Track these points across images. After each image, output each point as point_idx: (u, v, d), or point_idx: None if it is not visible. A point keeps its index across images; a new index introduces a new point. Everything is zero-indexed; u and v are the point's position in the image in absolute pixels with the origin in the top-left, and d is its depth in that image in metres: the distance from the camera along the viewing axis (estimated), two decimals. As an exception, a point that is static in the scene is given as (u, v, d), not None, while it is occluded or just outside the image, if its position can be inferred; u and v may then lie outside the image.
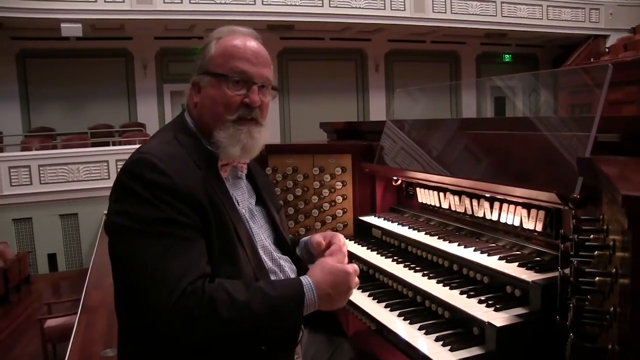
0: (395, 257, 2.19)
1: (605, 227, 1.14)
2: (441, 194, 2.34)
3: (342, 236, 1.70)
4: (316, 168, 2.71)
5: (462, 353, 1.50)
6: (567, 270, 1.24)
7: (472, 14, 13.07)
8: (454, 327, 1.65)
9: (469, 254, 1.89)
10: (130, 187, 1.36)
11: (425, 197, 2.46)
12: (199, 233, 1.38)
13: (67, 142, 11.03)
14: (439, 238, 2.12)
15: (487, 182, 1.93)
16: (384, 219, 2.55)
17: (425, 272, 1.96)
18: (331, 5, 11.80)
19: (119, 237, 1.39)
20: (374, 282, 2.13)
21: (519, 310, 1.56)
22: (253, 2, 11.23)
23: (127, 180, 1.38)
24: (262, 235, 1.60)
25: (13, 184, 10.01)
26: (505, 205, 1.96)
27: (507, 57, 15.32)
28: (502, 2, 13.35)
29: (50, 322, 5.97)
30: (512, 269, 1.69)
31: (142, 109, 12.35)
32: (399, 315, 1.80)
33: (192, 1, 10.87)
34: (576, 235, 1.21)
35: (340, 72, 13.78)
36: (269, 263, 1.57)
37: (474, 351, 1.50)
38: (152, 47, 12.29)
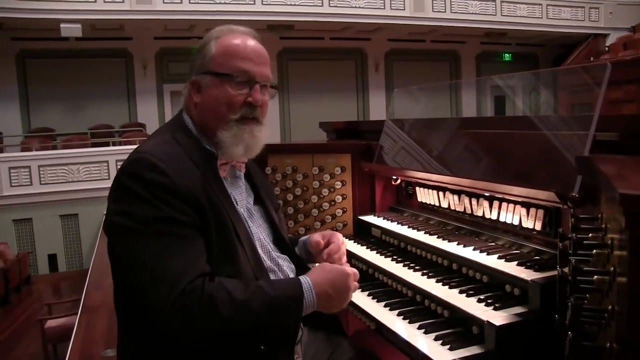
0: (394, 257, 2.19)
1: (603, 225, 1.14)
2: (440, 193, 2.34)
3: (341, 235, 1.70)
4: (316, 168, 2.71)
5: (462, 352, 1.50)
6: (565, 269, 1.24)
7: (472, 13, 13.08)
8: (454, 326, 1.65)
9: (468, 253, 1.89)
10: (129, 187, 1.36)
11: (425, 196, 2.46)
12: (198, 232, 1.39)
13: (67, 143, 11.04)
14: (438, 237, 2.12)
15: (486, 181, 1.93)
16: (383, 219, 2.56)
17: (424, 271, 1.96)
18: (331, 4, 11.81)
19: (118, 237, 1.39)
20: (374, 281, 2.13)
21: (518, 309, 1.56)
22: (253, 2, 11.24)
23: (126, 180, 1.38)
24: (260, 235, 1.61)
25: (13, 184, 10.03)
26: (504, 204, 1.96)
27: (507, 56, 15.32)
28: (501, 1, 13.35)
29: (51, 323, 5.98)
30: (511, 268, 1.69)
31: (142, 109, 12.36)
32: (398, 315, 1.80)
33: (191, 1, 10.88)
34: (575, 234, 1.21)
35: (340, 72, 13.78)
36: (267, 262, 1.57)
37: (473, 350, 1.50)
38: (152, 47, 12.30)
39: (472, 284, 1.78)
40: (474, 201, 2.13)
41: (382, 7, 12.24)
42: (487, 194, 2.03)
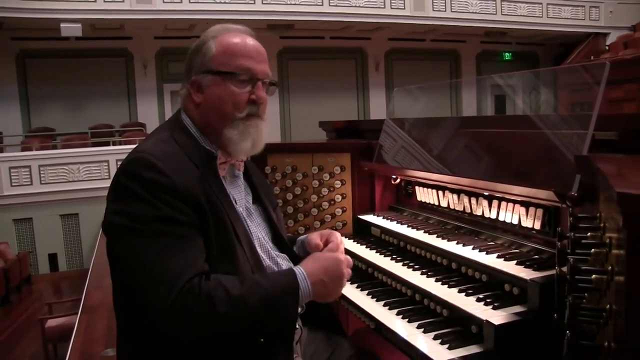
0: (394, 256, 2.19)
1: (602, 224, 1.14)
2: (440, 192, 2.34)
3: (339, 234, 1.70)
4: (315, 167, 2.71)
5: (461, 351, 1.50)
6: (564, 268, 1.24)
7: (472, 13, 13.07)
8: (453, 326, 1.65)
9: (467, 252, 1.89)
10: (128, 187, 1.36)
11: (424, 195, 2.47)
12: (197, 231, 1.39)
13: (68, 142, 11.04)
14: (437, 236, 2.12)
15: (485, 180, 1.93)
16: (383, 218, 2.56)
17: (424, 270, 1.96)
18: (331, 4, 11.80)
19: (117, 237, 1.39)
20: (373, 280, 2.14)
21: (517, 309, 1.56)
22: (253, 2, 11.23)
23: (124, 180, 1.38)
24: (259, 234, 1.61)
25: (13, 184, 10.03)
26: (503, 204, 1.96)
27: (507, 56, 15.32)
28: (502, 1, 13.35)
29: (51, 322, 5.98)
30: (511, 267, 1.69)
31: (143, 109, 12.36)
32: (397, 314, 1.80)
33: (191, 1, 10.88)
34: (573, 233, 1.21)
35: (341, 71, 13.78)
36: (267, 261, 1.57)
37: (472, 349, 1.51)
38: (152, 47, 12.30)
39: (471, 283, 1.78)
40: (473, 200, 2.13)
41: (382, 6, 12.23)
42: (486, 193, 2.03)
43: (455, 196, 2.24)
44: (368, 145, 2.72)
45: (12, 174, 10.01)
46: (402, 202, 2.71)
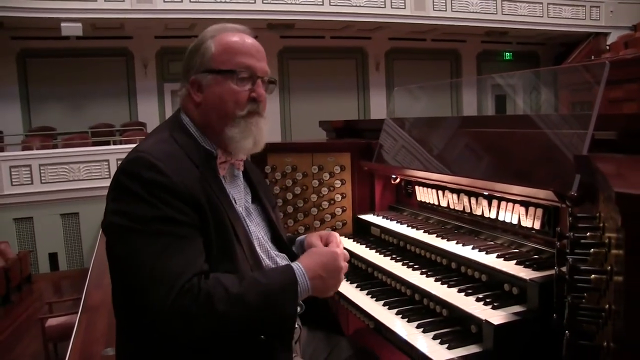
0: (394, 256, 2.18)
1: (601, 224, 1.14)
2: (440, 192, 2.34)
3: (338, 235, 1.70)
4: (315, 166, 2.71)
5: (460, 351, 1.50)
6: (563, 268, 1.24)
7: (473, 12, 13.07)
8: (452, 325, 1.65)
9: (467, 252, 1.89)
10: (128, 186, 1.36)
11: (424, 195, 2.46)
12: (197, 231, 1.39)
13: (68, 142, 11.05)
14: (437, 236, 2.12)
15: (485, 180, 1.93)
16: (382, 217, 2.56)
17: (423, 270, 1.96)
18: (331, 3, 11.80)
19: (116, 237, 1.39)
20: (373, 280, 2.13)
21: (517, 308, 1.55)
22: (253, 1, 11.24)
23: (124, 180, 1.38)
24: (259, 233, 1.61)
25: (14, 183, 10.04)
26: (503, 203, 1.96)
27: (507, 55, 15.31)
28: (502, 0, 13.34)
29: (52, 322, 5.98)
30: (510, 267, 1.69)
31: (143, 108, 12.36)
32: (397, 314, 1.79)
33: (192, 0, 10.87)
34: (572, 233, 1.21)
35: (341, 71, 13.78)
36: (266, 260, 1.57)
37: (472, 349, 1.50)
38: (153, 46, 12.30)
39: (471, 283, 1.78)
40: (473, 200, 2.13)
41: (383, 5, 12.23)
42: (486, 193, 2.03)
43: (455, 196, 2.24)
44: (368, 145, 2.72)
45: (12, 173, 10.01)
46: (402, 201, 2.70)
